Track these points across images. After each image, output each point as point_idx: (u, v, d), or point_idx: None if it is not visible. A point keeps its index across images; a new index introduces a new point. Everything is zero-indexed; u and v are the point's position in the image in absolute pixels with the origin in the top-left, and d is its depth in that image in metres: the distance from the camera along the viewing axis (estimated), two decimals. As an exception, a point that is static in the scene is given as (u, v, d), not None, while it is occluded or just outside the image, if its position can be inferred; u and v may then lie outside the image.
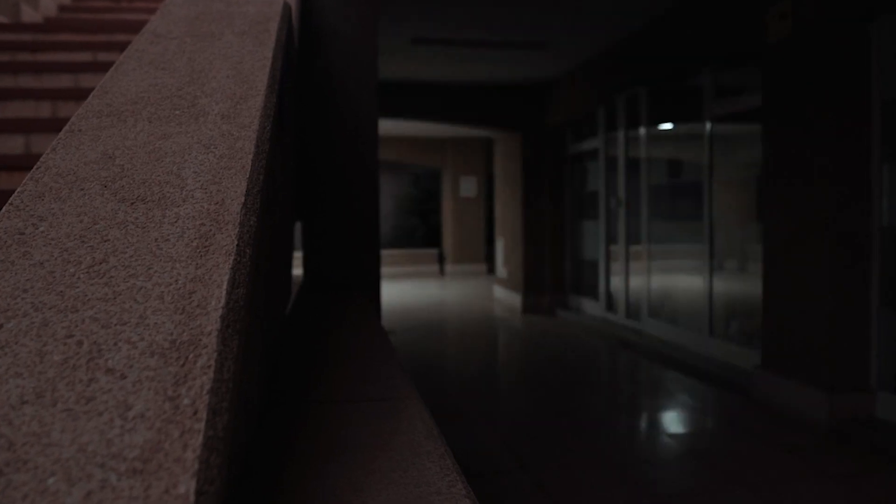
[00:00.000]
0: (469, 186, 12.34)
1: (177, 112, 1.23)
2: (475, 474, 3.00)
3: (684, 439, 3.39)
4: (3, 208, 0.93)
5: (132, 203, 0.96)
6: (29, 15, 3.74)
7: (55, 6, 4.06)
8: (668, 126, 5.70)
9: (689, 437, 3.43)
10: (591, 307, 7.13)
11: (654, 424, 3.65)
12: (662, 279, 5.77)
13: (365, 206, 2.89)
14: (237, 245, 0.87)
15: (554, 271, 7.75)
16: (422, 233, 13.10)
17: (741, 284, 4.70)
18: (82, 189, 0.99)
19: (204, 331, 0.71)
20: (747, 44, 4.15)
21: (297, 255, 7.95)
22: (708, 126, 4.95)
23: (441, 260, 12.73)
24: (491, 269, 12.21)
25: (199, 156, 1.08)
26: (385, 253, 12.36)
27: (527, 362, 5.33)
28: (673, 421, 3.70)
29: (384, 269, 12.44)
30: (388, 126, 10.01)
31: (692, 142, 5.23)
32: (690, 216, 5.26)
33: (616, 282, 6.61)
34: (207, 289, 0.78)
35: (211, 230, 0.89)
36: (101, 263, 0.83)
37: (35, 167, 1.04)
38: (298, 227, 2.99)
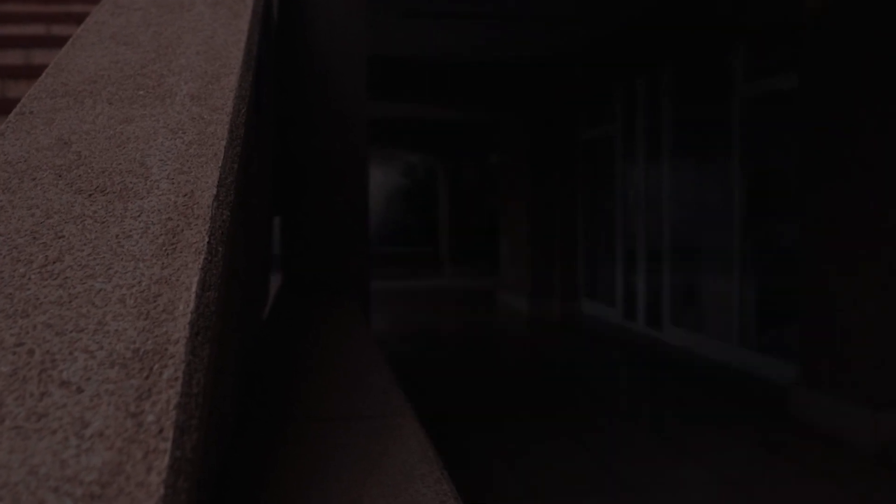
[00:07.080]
0: (469, 177, 12.34)
1: (141, 92, 1.23)
2: (477, 502, 3.00)
3: (713, 462, 3.40)
4: (-55, 200, 0.93)
5: (90, 195, 0.95)
6: (-27, -17, 3.72)
7: (3, -27, 4.04)
8: (693, 110, 5.70)
9: (719, 459, 3.44)
10: (607, 314, 7.14)
11: (680, 446, 3.65)
12: (686, 282, 5.77)
13: (352, 200, 2.89)
14: (208, 242, 0.87)
15: (564, 273, 7.76)
16: (416, 230, 13.09)
17: (774, 288, 4.71)
18: (34, 179, 0.98)
19: (171, 339, 0.71)
20: (783, 17, 4.15)
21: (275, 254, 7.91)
22: (738, 110, 4.95)
23: (438, 260, 12.73)
24: (494, 271, 12.21)
25: (165, 142, 1.08)
26: (375, 252, 12.36)
27: (536, 377, 5.34)
28: (700, 441, 3.70)
29: (373, 270, 12.42)
30: (378, 109, 10.00)
31: (720, 128, 5.24)
32: (718, 211, 5.26)
33: (634, 285, 6.62)
34: (175, 291, 0.78)
35: (179, 225, 0.89)
36: (54, 262, 0.83)
37: (-20, 154, 1.03)
38: (277, 222, 2.99)
